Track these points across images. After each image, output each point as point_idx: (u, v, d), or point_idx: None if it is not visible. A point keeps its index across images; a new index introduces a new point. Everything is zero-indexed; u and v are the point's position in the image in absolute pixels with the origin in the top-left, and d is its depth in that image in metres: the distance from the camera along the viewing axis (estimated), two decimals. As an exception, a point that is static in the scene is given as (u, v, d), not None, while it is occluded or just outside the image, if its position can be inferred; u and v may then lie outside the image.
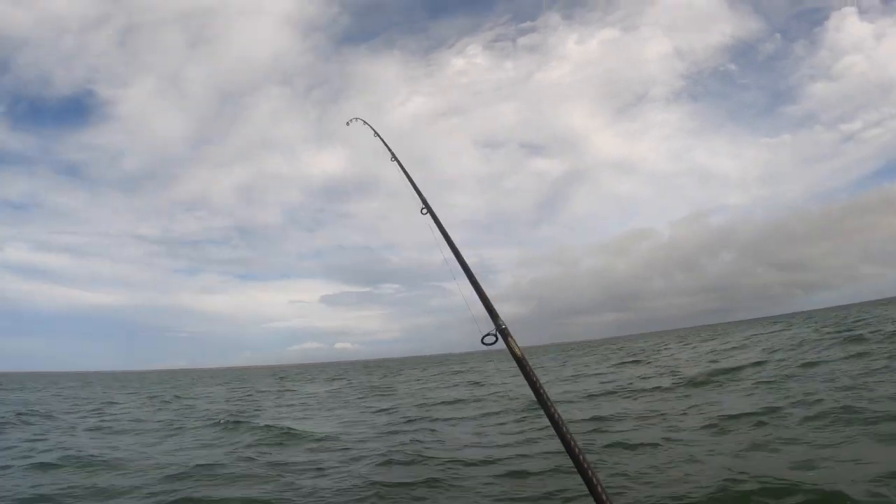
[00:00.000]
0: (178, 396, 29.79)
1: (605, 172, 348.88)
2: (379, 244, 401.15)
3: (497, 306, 3.25)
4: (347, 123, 6.06)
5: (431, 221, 4.45)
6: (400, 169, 5.16)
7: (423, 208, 4.59)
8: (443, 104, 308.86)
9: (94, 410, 21.55)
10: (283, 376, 62.22)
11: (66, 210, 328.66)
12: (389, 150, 5.64)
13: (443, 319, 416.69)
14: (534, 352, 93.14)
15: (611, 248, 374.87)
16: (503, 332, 3.23)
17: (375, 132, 6.13)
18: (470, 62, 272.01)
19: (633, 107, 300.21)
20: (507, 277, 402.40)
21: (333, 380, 43.96)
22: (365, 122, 6.37)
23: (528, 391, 2.72)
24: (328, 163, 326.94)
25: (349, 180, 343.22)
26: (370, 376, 45.94)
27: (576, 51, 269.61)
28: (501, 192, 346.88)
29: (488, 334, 3.24)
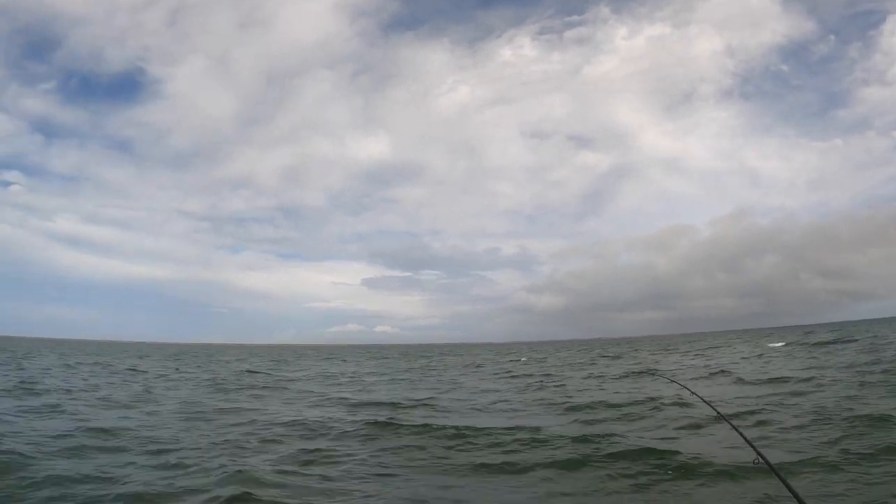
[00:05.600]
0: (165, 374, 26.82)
1: (652, 168, 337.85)
2: (422, 230, 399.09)
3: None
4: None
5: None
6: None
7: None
8: (490, 94, 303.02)
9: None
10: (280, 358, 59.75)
11: (115, 184, 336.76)
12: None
13: (482, 308, 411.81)
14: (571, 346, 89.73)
15: (651, 243, 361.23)
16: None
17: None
18: (517, 53, 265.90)
19: (681, 104, 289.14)
20: (548, 269, 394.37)
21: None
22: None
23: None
24: (373, 148, 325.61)
25: (393, 166, 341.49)
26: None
27: (624, 45, 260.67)
28: (547, 184, 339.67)
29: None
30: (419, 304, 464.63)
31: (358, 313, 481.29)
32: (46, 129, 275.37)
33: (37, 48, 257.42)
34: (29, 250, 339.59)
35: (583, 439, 9.44)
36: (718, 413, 6.36)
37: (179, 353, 70.90)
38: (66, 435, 10.04)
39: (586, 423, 11.78)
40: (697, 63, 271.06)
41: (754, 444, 4.75)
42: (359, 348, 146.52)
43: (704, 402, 7.02)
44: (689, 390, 8.57)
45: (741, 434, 5.19)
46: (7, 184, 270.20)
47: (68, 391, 17.32)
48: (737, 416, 10.51)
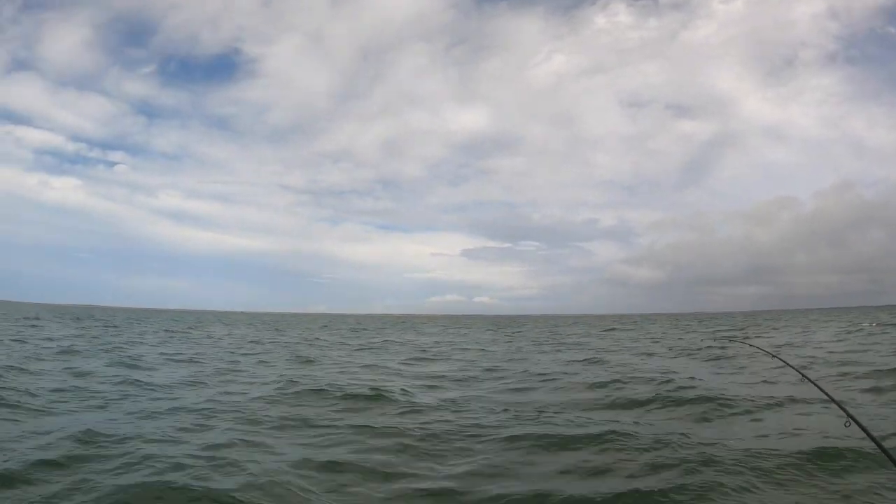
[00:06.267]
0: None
1: (753, 138, 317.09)
2: (520, 201, 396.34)
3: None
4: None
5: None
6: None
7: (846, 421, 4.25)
8: (586, 62, 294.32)
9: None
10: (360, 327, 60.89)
11: (216, 160, 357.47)
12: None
13: (580, 280, 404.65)
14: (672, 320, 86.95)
15: (751, 216, 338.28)
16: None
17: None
18: (612, 20, 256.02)
19: (782, 69, 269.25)
20: (646, 241, 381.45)
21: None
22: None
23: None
24: (470, 120, 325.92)
25: (491, 137, 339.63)
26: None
27: (722, 10, 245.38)
28: (646, 154, 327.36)
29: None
30: (518, 275, 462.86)
31: (457, 284, 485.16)
32: (148, 111, 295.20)
33: (135, 34, 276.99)
34: (135, 226, 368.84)
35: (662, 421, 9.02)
36: (808, 378, 5.87)
37: (274, 322, 74.67)
38: (61, 389, 11.07)
39: (674, 399, 10.95)
40: (798, 27, 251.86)
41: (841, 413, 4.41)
42: (455, 319, 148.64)
43: (796, 370, 6.48)
44: (780, 359, 7.85)
45: (831, 398, 4.87)
46: (112, 164, 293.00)
47: (126, 354, 19.06)
48: (802, 400, 9.87)
